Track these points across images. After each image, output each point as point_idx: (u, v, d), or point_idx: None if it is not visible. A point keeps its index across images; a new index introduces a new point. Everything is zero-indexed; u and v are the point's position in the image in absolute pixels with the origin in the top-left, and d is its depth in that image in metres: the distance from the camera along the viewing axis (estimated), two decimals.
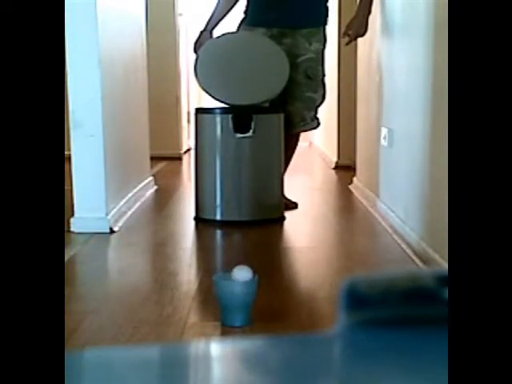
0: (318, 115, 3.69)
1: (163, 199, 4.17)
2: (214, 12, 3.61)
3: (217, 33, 3.59)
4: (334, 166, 5.50)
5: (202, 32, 3.61)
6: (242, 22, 3.60)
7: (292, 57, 3.50)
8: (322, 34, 3.58)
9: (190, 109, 6.82)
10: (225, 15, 3.60)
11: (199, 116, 3.45)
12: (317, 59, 3.59)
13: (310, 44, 3.55)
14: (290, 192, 3.71)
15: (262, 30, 3.51)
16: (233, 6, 3.59)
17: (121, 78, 3.61)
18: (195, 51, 3.56)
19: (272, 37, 3.49)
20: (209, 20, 3.61)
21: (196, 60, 3.40)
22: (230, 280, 1.98)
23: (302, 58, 3.55)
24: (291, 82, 3.48)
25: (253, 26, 3.54)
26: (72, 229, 3.14)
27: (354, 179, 4.38)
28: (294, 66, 3.49)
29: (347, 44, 3.65)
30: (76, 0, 2.99)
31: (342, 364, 0.48)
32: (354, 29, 3.49)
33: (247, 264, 1.99)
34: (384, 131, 3.39)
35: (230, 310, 1.94)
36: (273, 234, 3.24)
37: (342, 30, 3.75)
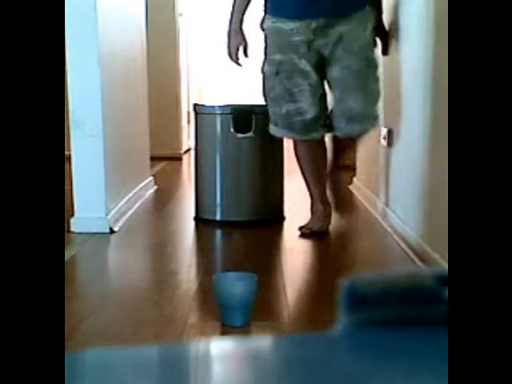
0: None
1: (163, 199, 4.17)
2: (233, 8, 3.17)
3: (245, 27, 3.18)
4: None
5: (229, 34, 3.15)
6: (266, 11, 3.07)
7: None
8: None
9: (189, 109, 6.81)
10: (246, 8, 3.15)
11: (199, 116, 3.45)
12: None
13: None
14: (289, 192, 3.71)
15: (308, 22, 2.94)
16: None
17: (121, 78, 3.61)
18: (230, 55, 3.14)
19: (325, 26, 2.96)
20: (231, 19, 3.17)
21: None
22: (230, 280, 1.98)
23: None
24: None
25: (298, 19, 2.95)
26: (72, 229, 3.14)
27: (354, 179, 4.38)
28: None
29: None
30: (76, 0, 2.99)
31: (342, 364, 0.48)
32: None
33: (247, 264, 1.99)
34: (384, 131, 3.39)
35: (229, 310, 1.94)
36: (273, 234, 3.24)
37: None
